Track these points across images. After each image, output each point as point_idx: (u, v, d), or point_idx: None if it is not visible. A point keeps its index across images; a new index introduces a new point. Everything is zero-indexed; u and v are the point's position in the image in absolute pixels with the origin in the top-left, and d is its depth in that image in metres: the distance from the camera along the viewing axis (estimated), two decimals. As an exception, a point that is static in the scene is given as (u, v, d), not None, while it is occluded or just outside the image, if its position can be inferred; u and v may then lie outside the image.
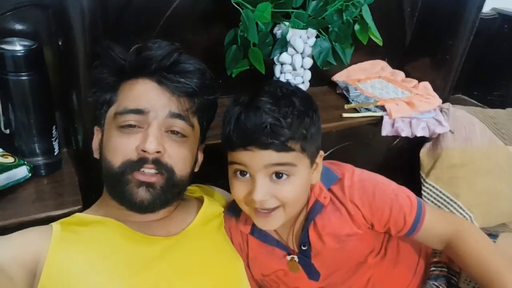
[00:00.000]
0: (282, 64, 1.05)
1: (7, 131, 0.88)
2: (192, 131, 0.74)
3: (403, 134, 1.22)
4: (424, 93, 1.34)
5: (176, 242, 0.73)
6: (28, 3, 0.85)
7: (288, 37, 1.00)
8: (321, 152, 0.76)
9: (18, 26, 0.87)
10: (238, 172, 0.70)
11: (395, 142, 1.33)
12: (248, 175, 0.69)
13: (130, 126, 0.69)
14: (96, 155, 0.77)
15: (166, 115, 0.70)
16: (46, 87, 0.87)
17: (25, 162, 0.87)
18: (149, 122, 0.69)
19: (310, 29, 1.01)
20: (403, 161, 1.39)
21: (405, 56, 1.46)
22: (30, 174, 0.88)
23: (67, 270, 0.62)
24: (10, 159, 0.86)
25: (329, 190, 0.77)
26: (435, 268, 0.83)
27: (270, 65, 1.07)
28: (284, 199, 0.69)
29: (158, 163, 0.69)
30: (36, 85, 0.84)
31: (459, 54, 1.32)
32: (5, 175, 0.83)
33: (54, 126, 0.92)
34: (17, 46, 0.81)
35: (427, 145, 1.34)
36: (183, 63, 0.72)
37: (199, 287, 0.69)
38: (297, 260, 0.80)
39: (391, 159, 1.36)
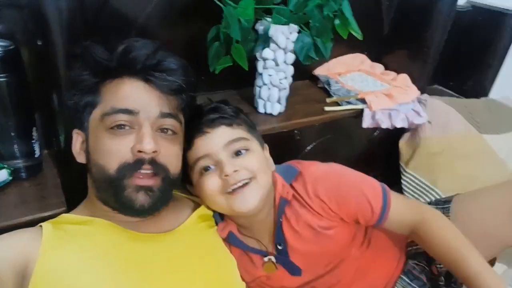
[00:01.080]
0: (264, 60, 1.05)
1: (-15, 134, 0.85)
2: (180, 127, 0.75)
3: (383, 126, 1.25)
4: (403, 85, 1.37)
5: (168, 239, 0.73)
6: (2, 3, 0.82)
7: (271, 33, 1.00)
8: (266, 145, 0.85)
9: (-8, 27, 0.84)
10: (203, 170, 0.75)
11: (375, 134, 1.36)
12: (213, 167, 0.74)
13: (120, 127, 0.68)
14: (80, 159, 0.74)
15: (157, 115, 0.70)
16: (25, 88, 0.85)
17: (5, 166, 0.85)
18: (140, 123, 0.68)
19: (292, 25, 1.02)
20: (384, 151, 1.42)
21: (383, 48, 1.49)
22: (10, 178, 0.86)
23: (59, 269, 0.62)
24: (-11, 163, 0.84)
25: (291, 186, 0.80)
26: (411, 248, 0.87)
27: (252, 61, 1.07)
28: (252, 167, 0.74)
29: (154, 164, 0.69)
30: (13, 86, 0.82)
31: (435, 46, 1.35)
32: (-15, 179, 0.81)
33: (34, 128, 0.89)
34: (-7, 47, 0.79)
35: (406, 135, 1.39)
36: (167, 61, 0.72)
37: (192, 284, 0.70)
38: (274, 260, 0.82)
39: (372, 150, 1.39)
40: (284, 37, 1.01)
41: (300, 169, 0.82)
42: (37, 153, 0.92)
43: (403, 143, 1.39)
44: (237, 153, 0.75)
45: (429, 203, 0.90)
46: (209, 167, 0.75)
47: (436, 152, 1.34)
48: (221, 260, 0.79)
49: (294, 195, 0.80)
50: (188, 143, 0.76)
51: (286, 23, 1.01)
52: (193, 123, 0.76)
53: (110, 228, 0.70)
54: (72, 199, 0.83)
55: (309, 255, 0.81)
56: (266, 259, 0.82)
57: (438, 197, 1.34)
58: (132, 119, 0.68)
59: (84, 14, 0.82)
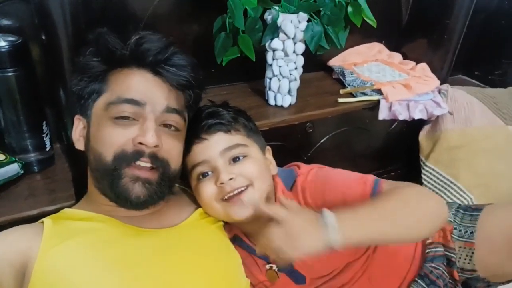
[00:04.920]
0: (273, 50, 1.02)
1: (-3, 129, 0.87)
2: (184, 124, 0.75)
3: (401, 118, 1.20)
4: (422, 75, 1.32)
5: (171, 234, 0.72)
6: (10, -3, 0.83)
7: (279, 22, 0.98)
8: (268, 147, 0.83)
9: (2, 22, 0.86)
10: (201, 176, 0.75)
11: (393, 126, 1.31)
12: (210, 173, 0.74)
13: (124, 117, 0.67)
14: (78, 146, 0.74)
15: (163, 109, 0.69)
16: (33, 82, 0.86)
17: (17, 159, 0.87)
18: (145, 115, 0.68)
19: (301, 13, 0.99)
20: (402, 145, 1.37)
21: (402, 37, 1.43)
22: (22, 171, 0.87)
23: (60, 266, 0.61)
24: (1, 157, 0.85)
25: (292, 191, 0.78)
26: (429, 250, 0.82)
27: (261, 52, 1.05)
28: (249, 174, 0.72)
29: (154, 158, 0.68)
30: (22, 81, 0.83)
31: (457, 33, 1.29)
32: (-3, 172, 0.83)
33: (44, 122, 0.91)
34: (1, 42, 0.80)
35: (426, 128, 1.33)
36: (177, 56, 0.72)
37: (195, 280, 0.68)
38: (276, 269, 0.79)
39: (390, 143, 1.34)
40: (293, 26, 0.98)
41: (298, 174, 0.79)
42: (48, 146, 0.93)
43: (423, 136, 1.33)
44: (235, 160, 0.74)
45: (458, 208, 0.86)
46: (206, 173, 0.75)
47: (458, 145, 1.28)
48: (225, 256, 0.77)
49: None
50: (186, 148, 0.76)
51: (295, 12, 0.99)
52: (191, 128, 0.76)
53: (111, 224, 0.69)
54: (83, 192, 0.84)
55: (311, 262, 0.78)
56: (268, 266, 0.81)
57: (461, 192, 1.29)
58: (137, 111, 0.68)
59: (89, 8, 0.82)
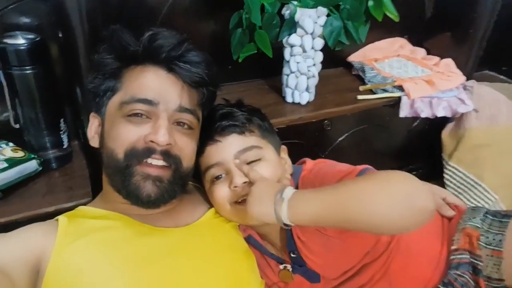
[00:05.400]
0: (291, 46, 1.00)
1: (17, 126, 0.88)
2: (198, 123, 0.74)
3: (423, 115, 1.16)
4: (446, 71, 1.27)
5: (185, 233, 0.72)
6: (29, -4, 0.84)
7: (297, 17, 0.95)
8: (283, 146, 0.81)
9: (22, 20, 0.86)
10: (215, 178, 0.74)
11: (414, 124, 1.27)
12: (224, 175, 0.73)
13: (137, 115, 0.67)
14: (93, 143, 0.74)
15: (176, 108, 0.69)
16: (51, 80, 0.86)
17: (35, 156, 0.88)
18: (157, 114, 0.67)
19: (320, 8, 0.96)
20: (424, 143, 1.33)
21: (425, 32, 1.38)
22: (40, 168, 0.88)
23: (73, 264, 0.62)
24: (20, 153, 0.87)
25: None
26: (454, 257, 0.79)
27: (279, 48, 1.03)
28: (253, 177, 0.70)
29: (167, 155, 0.67)
30: (40, 78, 0.83)
31: (483, 27, 1.23)
32: (16, 169, 0.84)
33: (62, 119, 0.91)
34: (20, 40, 0.80)
35: (449, 126, 1.29)
36: (192, 53, 0.71)
37: (208, 279, 0.68)
38: (290, 269, 0.78)
39: (411, 141, 1.31)
40: (311, 21, 0.95)
41: (303, 169, 0.78)
42: (66, 144, 0.94)
43: (446, 134, 1.29)
44: (249, 163, 0.73)
45: (486, 213, 0.81)
46: (220, 175, 0.74)
47: (483, 144, 1.23)
48: (239, 256, 0.76)
49: None
50: (200, 149, 0.75)
51: (314, 6, 0.96)
52: (205, 129, 0.75)
53: (125, 222, 0.69)
54: (99, 190, 0.84)
55: (324, 262, 0.76)
56: (281, 266, 0.79)
57: (485, 192, 1.24)
58: (150, 109, 0.67)
59: (106, 6, 0.82)
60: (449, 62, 1.31)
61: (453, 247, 0.80)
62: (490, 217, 0.80)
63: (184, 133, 0.70)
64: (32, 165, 0.87)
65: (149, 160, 0.67)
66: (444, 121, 1.27)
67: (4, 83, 0.83)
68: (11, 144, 0.89)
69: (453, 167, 1.28)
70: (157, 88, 0.68)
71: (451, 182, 1.28)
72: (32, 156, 0.87)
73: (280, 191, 0.63)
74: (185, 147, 0.70)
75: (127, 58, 0.70)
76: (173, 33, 0.71)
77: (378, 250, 0.76)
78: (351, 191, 0.60)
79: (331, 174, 0.73)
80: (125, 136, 0.67)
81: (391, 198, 0.57)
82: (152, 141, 0.66)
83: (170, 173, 0.68)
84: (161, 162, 0.67)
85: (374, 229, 0.62)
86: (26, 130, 0.88)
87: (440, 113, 1.17)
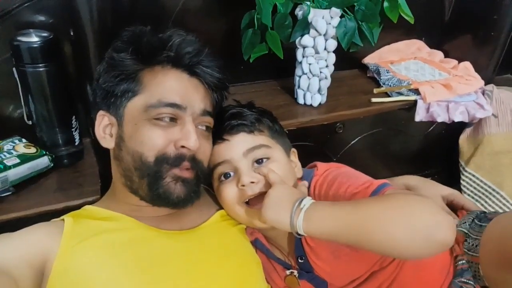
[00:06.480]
0: (303, 47, 0.99)
1: (30, 122, 0.90)
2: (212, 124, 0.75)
3: (439, 120, 1.13)
4: (465, 74, 1.24)
5: (191, 237, 0.71)
6: (43, -7, 0.85)
7: (310, 18, 0.94)
8: (293, 149, 0.80)
9: (36, 18, 0.87)
10: (223, 176, 0.73)
11: (430, 128, 1.24)
12: (232, 174, 0.72)
13: (164, 119, 0.67)
14: (104, 144, 0.72)
15: (200, 111, 0.70)
16: (63, 77, 0.87)
17: (47, 153, 0.89)
18: (184, 118, 0.68)
19: (333, 9, 0.95)
20: (440, 148, 1.30)
21: (444, 34, 1.35)
22: (51, 164, 0.89)
23: (78, 266, 0.61)
24: (32, 150, 0.88)
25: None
26: (457, 263, 0.76)
27: (291, 49, 1.01)
28: (272, 178, 0.68)
29: (193, 160, 0.69)
30: (53, 76, 0.84)
31: (506, 29, 1.20)
32: (28, 165, 0.85)
33: (74, 117, 0.92)
34: (33, 38, 0.81)
35: (467, 131, 1.25)
36: (211, 58, 0.73)
37: (214, 284, 0.67)
38: (296, 275, 0.76)
39: (426, 146, 1.28)
40: (324, 22, 0.94)
41: (314, 174, 0.76)
42: (77, 141, 0.94)
43: (463, 139, 1.26)
44: (258, 162, 0.72)
45: (476, 216, 0.78)
46: (228, 173, 0.73)
47: (503, 150, 1.19)
48: (246, 260, 0.75)
49: None
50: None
51: (328, 7, 0.94)
52: (214, 128, 0.75)
53: (131, 224, 0.69)
54: (108, 188, 0.85)
55: (332, 269, 0.74)
56: (288, 272, 0.78)
57: (504, 201, 1.20)
58: (178, 113, 0.68)
59: (117, 5, 0.82)
60: (467, 65, 1.27)
61: (454, 254, 0.77)
62: (476, 221, 0.76)
63: (204, 136, 0.72)
64: (43, 162, 0.88)
65: (179, 167, 0.67)
66: (461, 126, 1.24)
67: (18, 80, 0.84)
68: (24, 140, 0.90)
69: (470, 173, 1.24)
70: (183, 92, 0.69)
71: (468, 188, 1.24)
72: (44, 152, 0.88)
73: (298, 200, 0.62)
74: (206, 150, 0.72)
75: (148, 60, 0.69)
76: (193, 37, 0.72)
77: (387, 259, 0.74)
78: (371, 214, 0.58)
79: (346, 186, 0.71)
80: (155, 140, 0.67)
81: (411, 227, 0.56)
82: (183, 146, 0.66)
83: (194, 175, 0.69)
84: (188, 166, 0.68)
85: (387, 253, 0.62)
86: (39, 127, 0.89)
87: (457, 118, 1.14)
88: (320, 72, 1.01)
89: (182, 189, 0.68)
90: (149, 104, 0.67)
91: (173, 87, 0.68)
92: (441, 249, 0.57)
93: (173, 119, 0.68)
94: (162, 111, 0.67)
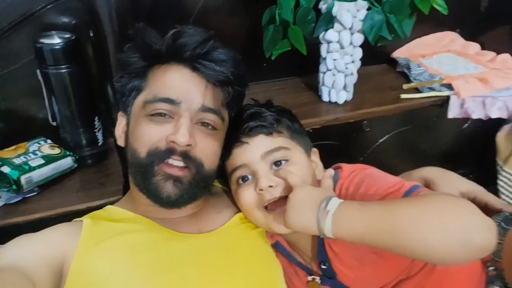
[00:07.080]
0: (328, 42, 0.95)
1: (54, 123, 0.91)
2: (222, 124, 0.71)
3: (474, 116, 1.07)
4: (503, 67, 1.16)
5: (209, 240, 0.70)
6: (66, -5, 0.85)
7: (334, 11, 0.90)
8: (314, 149, 0.77)
9: (59, 20, 0.88)
10: (241, 179, 0.71)
11: (465, 125, 1.18)
12: (250, 177, 0.70)
13: (160, 114, 0.66)
14: (120, 142, 0.74)
15: (199, 108, 0.67)
16: (86, 78, 0.88)
17: (70, 153, 0.90)
18: (180, 113, 0.66)
19: (359, 1, 0.91)
20: (475, 146, 1.23)
21: (480, 25, 1.28)
22: (75, 165, 0.90)
23: (95, 267, 0.61)
24: (56, 151, 0.89)
25: None
26: (488, 270, 0.71)
27: (315, 44, 0.98)
28: (292, 181, 0.66)
29: (186, 157, 0.66)
30: (75, 77, 0.85)
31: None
32: (52, 166, 0.86)
33: (96, 117, 0.93)
34: (55, 40, 0.82)
35: (506, 128, 1.18)
36: (217, 51, 0.69)
37: (231, 287, 0.66)
38: (319, 281, 0.73)
39: (460, 144, 1.21)
40: (350, 15, 0.90)
41: (339, 177, 0.72)
42: (100, 141, 0.95)
43: (501, 137, 1.18)
44: (276, 164, 0.70)
45: (504, 219, 0.72)
46: (246, 177, 0.71)
47: (545, 148, 1.11)
48: (265, 264, 0.73)
49: None
50: (226, 152, 0.72)
51: (353, 0, 0.90)
52: (232, 130, 0.73)
53: (149, 227, 0.68)
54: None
55: (357, 276, 0.71)
56: (310, 278, 0.75)
57: (545, 202, 1.12)
58: (173, 109, 0.66)
59: (137, 5, 0.81)
60: (506, 57, 1.20)
61: (484, 260, 0.71)
62: (503, 224, 0.70)
63: (208, 134, 0.68)
64: (67, 162, 0.89)
65: (170, 161, 0.65)
66: (498, 122, 1.16)
67: (42, 82, 0.85)
68: (49, 141, 0.91)
69: (508, 173, 1.17)
70: (180, 87, 0.67)
71: (506, 189, 1.17)
72: (68, 153, 0.89)
73: (324, 201, 0.59)
74: (207, 148, 0.68)
75: (152, 57, 0.69)
76: (198, 30, 0.69)
77: (415, 267, 0.70)
78: (404, 215, 0.54)
79: (375, 188, 0.67)
80: (148, 136, 0.66)
81: (447, 230, 0.52)
82: (173, 141, 0.64)
83: (190, 174, 0.67)
84: (181, 163, 0.66)
85: (422, 258, 0.57)
86: (62, 128, 0.90)
87: (494, 114, 1.07)
88: (346, 68, 0.97)
89: (173, 189, 0.65)
90: (146, 100, 0.67)
91: (170, 82, 0.67)
92: (481, 254, 0.53)
93: (171, 115, 0.66)
94: (157, 106, 0.66)
